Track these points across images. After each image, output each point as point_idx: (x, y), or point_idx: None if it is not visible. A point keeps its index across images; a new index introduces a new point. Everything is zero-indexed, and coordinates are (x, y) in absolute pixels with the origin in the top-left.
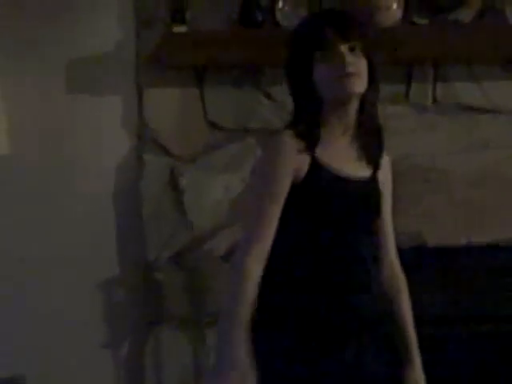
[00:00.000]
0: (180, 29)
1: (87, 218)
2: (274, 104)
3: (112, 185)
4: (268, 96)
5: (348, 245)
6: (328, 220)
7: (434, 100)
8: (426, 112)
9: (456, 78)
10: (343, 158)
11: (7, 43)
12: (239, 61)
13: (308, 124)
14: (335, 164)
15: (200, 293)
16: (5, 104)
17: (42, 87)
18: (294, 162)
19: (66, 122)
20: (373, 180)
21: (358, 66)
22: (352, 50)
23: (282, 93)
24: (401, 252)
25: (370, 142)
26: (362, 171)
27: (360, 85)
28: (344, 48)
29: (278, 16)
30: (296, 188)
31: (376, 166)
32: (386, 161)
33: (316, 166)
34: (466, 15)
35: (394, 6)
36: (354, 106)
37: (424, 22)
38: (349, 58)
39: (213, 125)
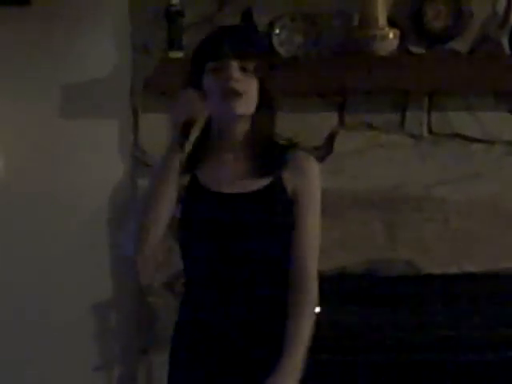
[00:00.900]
0: (176, 54)
1: (81, 241)
2: None
3: (106, 209)
4: None
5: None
6: (198, 238)
7: (429, 129)
8: (421, 141)
9: (451, 108)
10: (223, 177)
11: (2, 67)
12: None
13: (189, 145)
14: (210, 182)
15: None
16: (0, 126)
17: (37, 111)
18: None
19: (60, 145)
20: (273, 189)
21: (244, 85)
22: (244, 69)
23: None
24: (393, 279)
25: (263, 158)
26: (252, 185)
27: (244, 106)
28: (235, 64)
29: (275, 42)
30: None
31: (278, 172)
32: (301, 161)
33: (194, 182)
34: (462, 45)
35: (391, 35)
36: (242, 127)
37: (420, 51)
38: (236, 73)
39: None
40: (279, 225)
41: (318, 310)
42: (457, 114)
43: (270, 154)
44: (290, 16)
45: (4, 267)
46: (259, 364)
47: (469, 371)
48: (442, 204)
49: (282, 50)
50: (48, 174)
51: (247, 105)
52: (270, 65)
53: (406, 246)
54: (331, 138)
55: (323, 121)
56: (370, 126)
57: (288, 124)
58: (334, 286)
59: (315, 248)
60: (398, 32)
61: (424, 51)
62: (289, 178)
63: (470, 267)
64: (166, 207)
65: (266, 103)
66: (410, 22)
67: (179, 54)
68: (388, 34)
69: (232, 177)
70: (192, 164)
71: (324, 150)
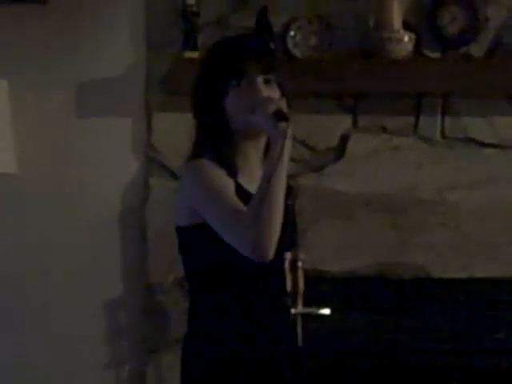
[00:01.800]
0: (191, 54)
1: (92, 239)
2: None
3: (118, 207)
4: None
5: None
6: None
7: (443, 133)
8: (434, 145)
9: (465, 111)
10: (258, 181)
11: (18, 67)
12: None
13: (223, 154)
14: (253, 189)
15: None
16: (15, 124)
17: (51, 109)
18: (224, 177)
19: (74, 144)
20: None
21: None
22: (267, 81)
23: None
24: (403, 283)
25: None
26: None
27: None
28: (260, 80)
29: (290, 44)
30: None
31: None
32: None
33: (241, 190)
34: (476, 50)
35: (406, 38)
36: (264, 135)
37: (435, 55)
38: (265, 92)
39: None
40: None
41: (327, 311)
42: (470, 119)
43: None
44: (305, 18)
45: (15, 265)
46: None
47: (480, 376)
48: (454, 208)
49: (296, 52)
50: (61, 172)
51: None
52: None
53: (417, 249)
54: (344, 141)
55: (336, 123)
56: (384, 129)
57: (301, 125)
58: (344, 288)
59: None
60: (413, 35)
61: (439, 55)
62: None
63: (482, 272)
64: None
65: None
66: (425, 25)
67: (194, 54)
68: (403, 38)
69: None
70: (233, 170)
71: (337, 153)
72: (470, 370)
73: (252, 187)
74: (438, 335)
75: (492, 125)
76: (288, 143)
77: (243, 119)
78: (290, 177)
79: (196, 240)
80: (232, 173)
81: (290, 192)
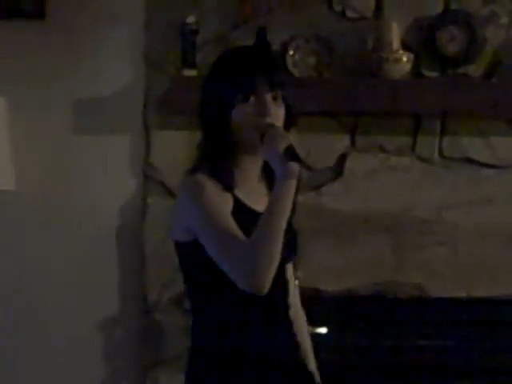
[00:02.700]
0: (190, 72)
1: (89, 257)
2: None
3: (116, 225)
4: None
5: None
6: None
7: (440, 153)
8: (432, 165)
9: (463, 132)
10: (257, 197)
11: (16, 84)
12: None
13: (222, 166)
14: (252, 203)
15: None
16: (13, 141)
17: (49, 126)
18: (220, 194)
19: (72, 161)
20: None
21: (277, 117)
22: (274, 98)
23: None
24: (401, 302)
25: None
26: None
27: None
28: (268, 97)
29: (289, 63)
30: None
31: None
32: None
33: (239, 204)
34: (475, 70)
35: (404, 58)
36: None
37: (433, 75)
38: (272, 108)
39: None
40: None
41: (324, 330)
42: (468, 139)
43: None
44: (304, 37)
45: (12, 282)
46: None
47: None
48: (452, 228)
49: (295, 71)
50: (59, 189)
51: None
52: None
53: (414, 269)
54: (342, 160)
55: (335, 142)
56: (382, 149)
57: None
58: (341, 307)
59: None
60: (411, 55)
61: (437, 75)
62: None
63: (479, 292)
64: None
65: (290, 123)
66: (424, 45)
67: (193, 72)
68: (402, 58)
69: (261, 200)
70: (230, 183)
71: (335, 172)
72: None
73: (249, 201)
74: (437, 355)
75: (490, 145)
76: (294, 182)
77: (246, 134)
78: None
79: (197, 255)
80: (229, 186)
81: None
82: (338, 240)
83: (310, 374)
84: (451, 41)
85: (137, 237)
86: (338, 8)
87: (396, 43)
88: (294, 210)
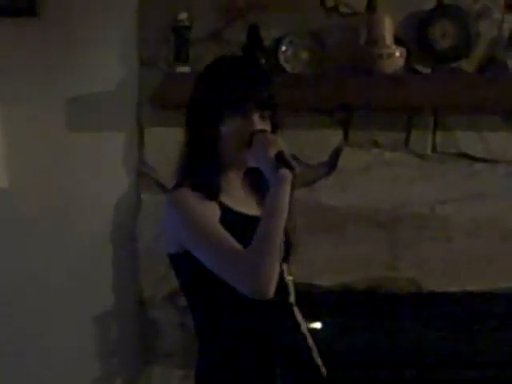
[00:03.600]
0: (183, 69)
1: (83, 254)
2: None
3: (110, 222)
4: None
5: None
6: None
7: (434, 148)
8: (425, 160)
9: (456, 127)
10: (241, 201)
11: (9, 81)
12: None
13: (206, 178)
14: (238, 207)
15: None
16: (5, 139)
17: (43, 124)
18: (205, 205)
19: (65, 159)
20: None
21: None
22: (262, 117)
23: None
24: (395, 297)
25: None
26: (256, 211)
27: None
28: (256, 117)
29: (281, 59)
30: None
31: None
32: None
33: (226, 210)
34: (468, 65)
35: (397, 53)
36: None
37: (426, 70)
38: (258, 125)
39: None
40: None
41: (318, 325)
42: (462, 133)
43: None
44: (296, 33)
45: (6, 280)
46: None
47: None
48: (445, 223)
49: (288, 67)
50: (52, 187)
51: None
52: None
53: (408, 264)
54: (336, 155)
55: (328, 137)
56: (375, 144)
57: (293, 140)
58: (336, 302)
59: None
60: (404, 51)
61: (430, 70)
62: None
63: (473, 286)
64: None
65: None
66: (417, 41)
67: (186, 69)
68: (394, 53)
69: (248, 199)
70: (216, 191)
71: (328, 167)
72: (460, 382)
73: (235, 205)
74: (430, 349)
75: (483, 140)
76: (288, 187)
77: (234, 148)
78: None
79: (190, 266)
80: (214, 194)
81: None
82: (332, 235)
83: (317, 367)
84: (444, 36)
85: (131, 233)
86: (330, 3)
87: (389, 38)
88: (289, 213)
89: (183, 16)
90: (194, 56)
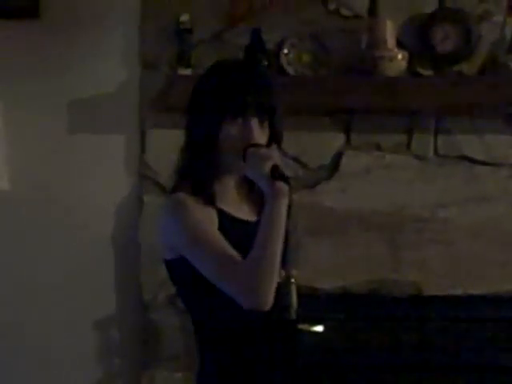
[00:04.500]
0: (185, 71)
1: (85, 256)
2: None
3: (111, 224)
4: None
5: None
6: None
7: (435, 151)
8: (427, 163)
9: (457, 130)
10: (238, 206)
11: (10, 83)
12: None
13: (203, 183)
14: (235, 212)
15: None
16: (7, 141)
17: (44, 126)
18: (203, 211)
19: (67, 161)
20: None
21: (262, 140)
22: (262, 123)
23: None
24: (396, 300)
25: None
26: (251, 216)
27: None
28: (255, 123)
29: (283, 61)
30: None
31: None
32: None
33: (224, 215)
34: (470, 68)
35: (399, 56)
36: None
37: (428, 73)
38: (257, 133)
39: None
40: None
41: (321, 328)
42: (463, 136)
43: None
44: (298, 36)
45: (5, 282)
46: None
47: None
48: (446, 226)
49: (290, 69)
50: (53, 190)
51: None
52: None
53: (409, 266)
54: (337, 158)
55: (330, 140)
56: (377, 147)
57: (294, 143)
58: (336, 305)
59: None
60: (406, 54)
61: (432, 73)
62: None
63: (474, 290)
64: None
65: (273, 141)
66: (418, 43)
67: (187, 71)
68: (396, 56)
69: (243, 203)
70: (213, 197)
71: (330, 170)
72: None
73: (232, 211)
74: (431, 352)
75: (484, 143)
76: (285, 200)
77: (231, 154)
78: None
79: (185, 272)
80: (211, 199)
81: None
82: (333, 238)
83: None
84: (446, 39)
85: (133, 236)
86: (332, 6)
87: (391, 41)
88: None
89: (185, 19)
90: (195, 59)
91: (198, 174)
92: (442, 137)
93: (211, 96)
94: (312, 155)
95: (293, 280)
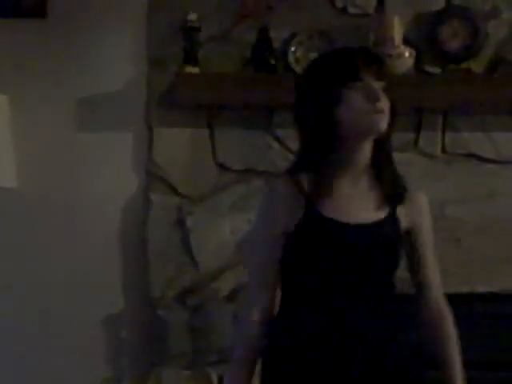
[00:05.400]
0: (192, 69)
1: (93, 254)
2: (283, 147)
3: (119, 222)
4: (277, 139)
5: (338, 303)
6: (319, 270)
7: (443, 149)
8: (435, 160)
9: (465, 127)
10: (350, 203)
11: (19, 81)
12: (250, 103)
13: (313, 170)
14: (337, 210)
15: (204, 332)
16: (15, 139)
17: (52, 124)
18: (286, 208)
19: (75, 159)
20: (390, 221)
21: (386, 105)
22: (382, 89)
23: (292, 136)
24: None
25: (386, 181)
26: (375, 215)
27: (386, 124)
28: (378, 85)
29: (291, 59)
30: (292, 235)
31: (394, 204)
32: (417, 197)
33: (311, 211)
34: (477, 66)
35: (407, 54)
36: (368, 150)
37: (435, 71)
38: (382, 94)
39: (221, 166)
40: (400, 256)
41: None
42: (471, 134)
43: (391, 183)
44: (306, 33)
45: (14, 279)
46: None
47: None
48: (454, 223)
49: (297, 67)
50: (61, 187)
51: (387, 123)
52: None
53: None
54: None
55: None
56: None
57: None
58: None
59: (440, 281)
60: (413, 51)
61: (439, 71)
62: (404, 213)
63: (483, 287)
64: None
65: (392, 123)
66: (426, 41)
67: (195, 69)
68: (404, 53)
69: (355, 205)
70: (309, 192)
71: None
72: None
73: (329, 210)
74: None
75: (492, 140)
76: None
77: (358, 121)
78: None
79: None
80: (314, 195)
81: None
82: None
83: None
84: (453, 36)
85: (140, 233)
86: (339, 4)
87: (398, 39)
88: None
89: (193, 17)
90: (203, 57)
91: (310, 161)
92: (449, 134)
93: (327, 73)
94: None
95: None
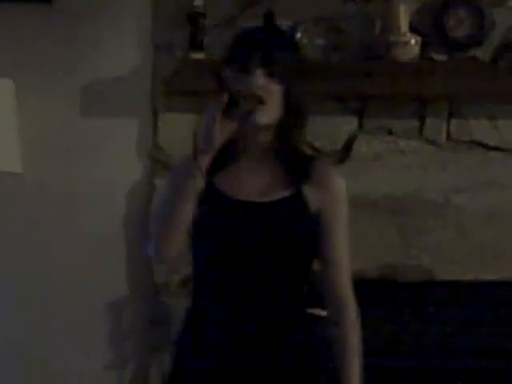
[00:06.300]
0: (197, 55)
1: (96, 239)
2: None
3: (123, 208)
4: None
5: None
6: (210, 246)
7: (448, 136)
8: (440, 148)
9: (470, 115)
10: (248, 181)
11: (23, 66)
12: None
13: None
14: (234, 187)
15: None
16: (20, 125)
17: (56, 110)
18: (189, 175)
19: (79, 144)
20: (293, 201)
21: (268, 93)
22: (270, 76)
23: None
24: (408, 285)
25: (286, 169)
26: (271, 195)
27: (266, 115)
28: (259, 70)
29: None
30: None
31: (298, 184)
32: (330, 180)
33: (210, 189)
34: (483, 53)
35: (412, 41)
36: (266, 136)
37: (441, 58)
38: (261, 80)
39: None
40: (300, 237)
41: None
42: (476, 122)
43: (293, 164)
44: (311, 20)
45: (17, 265)
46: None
47: (483, 378)
48: (459, 211)
49: (303, 54)
50: (65, 173)
51: (270, 114)
52: (295, 70)
53: (422, 252)
54: (350, 143)
55: (342, 125)
56: (389, 132)
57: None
58: None
59: (347, 265)
60: (419, 38)
61: (445, 58)
62: (311, 192)
63: (486, 275)
64: (186, 216)
65: (293, 111)
66: (432, 29)
67: (200, 55)
68: (410, 41)
69: (252, 185)
70: (211, 170)
71: (342, 155)
72: (474, 371)
73: (227, 188)
74: (442, 337)
75: (497, 128)
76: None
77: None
78: None
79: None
80: (209, 171)
81: None
82: None
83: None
84: (459, 24)
85: (145, 219)
86: None
87: (404, 26)
88: None
89: (198, 2)
90: (208, 42)
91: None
92: (454, 122)
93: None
94: (324, 140)
95: None
